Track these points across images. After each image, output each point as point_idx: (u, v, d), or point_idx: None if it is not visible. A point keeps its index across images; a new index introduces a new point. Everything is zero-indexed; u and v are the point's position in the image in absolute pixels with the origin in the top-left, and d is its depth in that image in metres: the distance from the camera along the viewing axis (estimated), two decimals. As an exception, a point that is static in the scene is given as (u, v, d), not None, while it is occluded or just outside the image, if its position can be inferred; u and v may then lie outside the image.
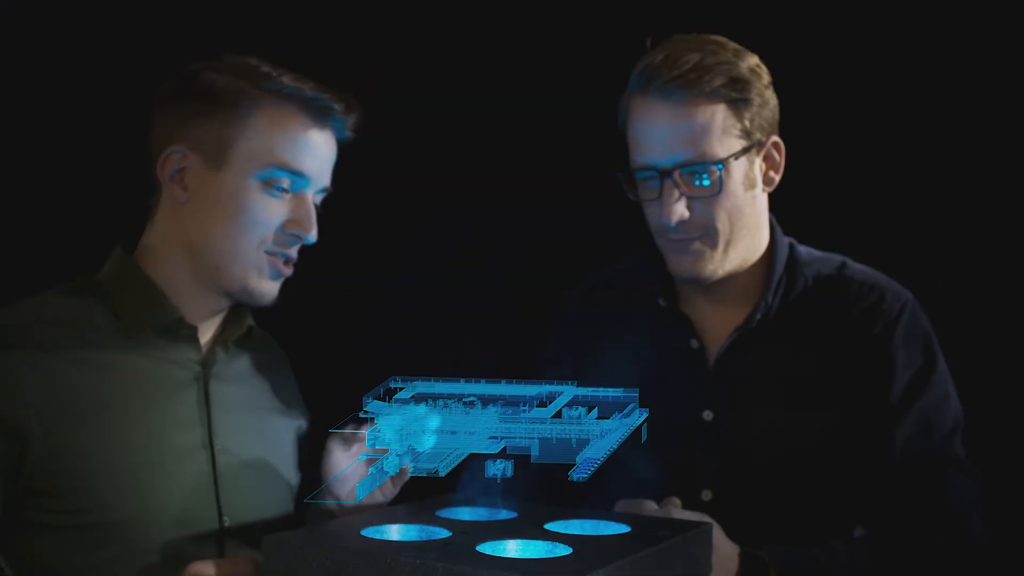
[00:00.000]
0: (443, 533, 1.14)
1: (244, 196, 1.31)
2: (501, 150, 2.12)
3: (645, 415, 1.28)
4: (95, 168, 2.01)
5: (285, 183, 1.33)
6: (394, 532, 1.15)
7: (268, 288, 1.35)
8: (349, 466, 1.36)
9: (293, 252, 1.36)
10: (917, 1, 1.92)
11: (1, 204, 2.00)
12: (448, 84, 2.18)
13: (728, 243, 1.46)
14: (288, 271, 1.37)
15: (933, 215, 1.93)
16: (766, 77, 1.47)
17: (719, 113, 1.42)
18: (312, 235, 1.36)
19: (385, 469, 1.24)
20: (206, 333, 1.39)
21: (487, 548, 1.08)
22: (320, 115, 1.35)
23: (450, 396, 1.27)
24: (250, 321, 1.43)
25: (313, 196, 1.37)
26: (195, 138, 1.32)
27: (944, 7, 1.90)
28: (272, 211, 1.33)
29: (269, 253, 1.34)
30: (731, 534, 1.36)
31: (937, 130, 1.93)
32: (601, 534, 1.18)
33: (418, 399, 1.28)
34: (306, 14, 2.17)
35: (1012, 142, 1.90)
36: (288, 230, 1.34)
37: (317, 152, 1.35)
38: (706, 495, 1.47)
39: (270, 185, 1.33)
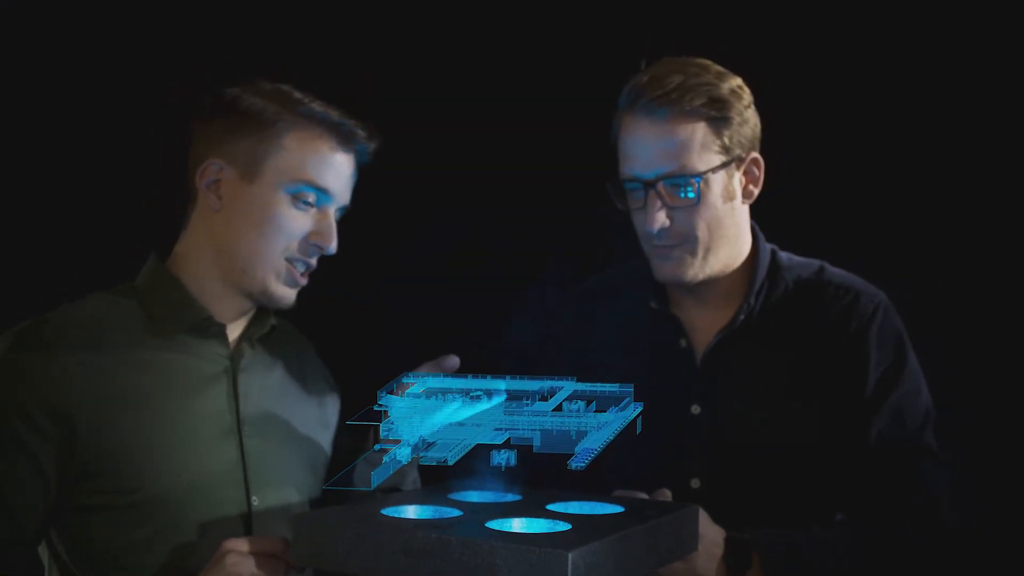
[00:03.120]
0: (455, 512, 1.30)
1: (273, 207, 1.48)
2: (502, 151, 2.25)
3: (640, 409, 1.42)
4: (134, 184, 2.18)
5: (311, 198, 1.50)
6: (411, 512, 1.31)
7: (286, 293, 1.52)
8: (364, 456, 1.56)
9: (313, 261, 1.53)
10: (894, 22, 2.10)
11: (53, 220, 2.19)
12: (449, 85, 2.31)
13: (708, 250, 1.60)
14: (304, 280, 1.53)
15: (907, 222, 2.09)
16: (747, 98, 1.61)
17: (699, 130, 1.56)
18: (332, 247, 1.52)
19: (398, 459, 1.38)
20: (234, 331, 1.55)
21: (495, 524, 1.24)
22: (346, 139, 1.52)
23: (458, 390, 1.41)
24: (273, 320, 1.59)
25: (334, 212, 1.53)
26: (232, 153, 1.49)
27: (919, 25, 2.08)
28: (297, 223, 1.49)
29: (290, 260, 1.50)
30: (717, 520, 1.49)
31: (907, 146, 2.10)
32: (597, 513, 1.33)
33: (428, 393, 1.42)
34: (307, 15, 2.31)
35: (976, 155, 2.08)
36: (311, 241, 1.50)
37: (341, 172, 1.52)
38: (694, 483, 1.61)
39: (297, 199, 1.49)
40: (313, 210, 1.52)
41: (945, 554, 1.59)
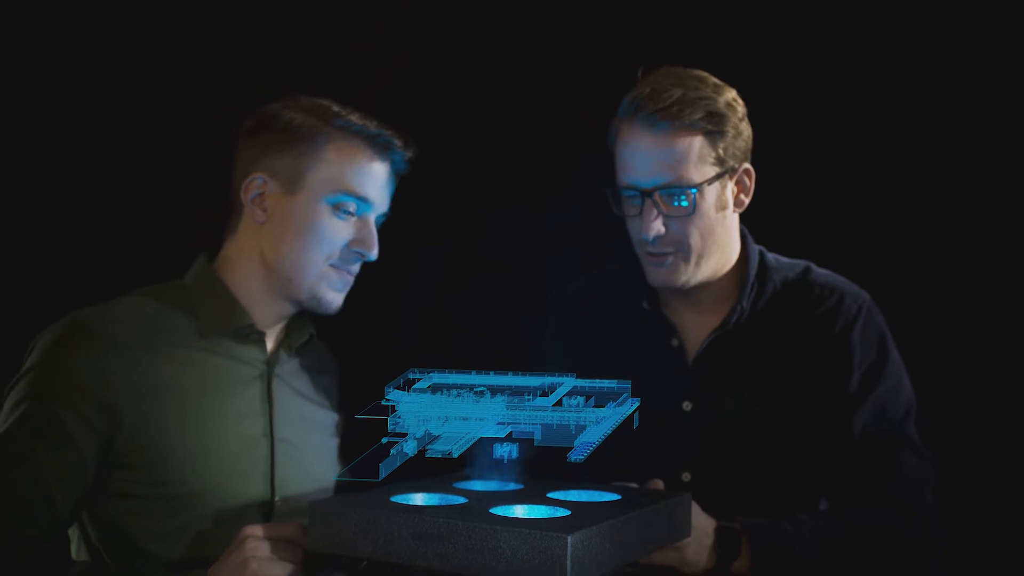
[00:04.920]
0: (460, 500, 1.37)
1: (315, 218, 1.55)
2: (504, 153, 2.32)
3: (637, 404, 1.48)
4: (186, 186, 2.26)
5: (351, 207, 1.56)
6: (419, 499, 1.38)
7: (334, 297, 1.59)
8: (372, 449, 1.64)
9: (356, 267, 1.60)
10: (875, 39, 2.19)
11: (108, 216, 2.28)
12: (451, 87, 2.37)
13: (700, 257, 1.66)
14: (351, 281, 1.60)
15: (885, 224, 2.18)
16: (741, 110, 1.67)
17: (696, 143, 1.62)
18: (374, 253, 1.59)
19: (405, 451, 1.44)
20: (272, 337, 1.62)
21: (499, 511, 1.31)
22: (382, 149, 1.58)
23: (463, 386, 1.47)
24: (311, 330, 1.66)
25: (374, 219, 1.60)
26: (274, 167, 1.55)
27: (896, 38, 2.17)
28: (339, 231, 1.56)
29: (334, 267, 1.57)
30: (707, 511, 1.55)
31: (887, 151, 2.19)
32: (595, 501, 1.40)
33: (434, 389, 1.48)
34: (310, 18, 2.38)
35: (950, 164, 2.16)
36: (353, 248, 1.57)
37: (379, 180, 1.58)
38: (686, 477, 1.68)
39: (338, 208, 1.55)
40: (354, 218, 1.58)
41: (927, 541, 1.66)
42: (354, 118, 1.58)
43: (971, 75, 2.16)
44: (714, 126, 1.63)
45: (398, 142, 1.60)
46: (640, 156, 1.65)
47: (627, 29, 2.29)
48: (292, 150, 1.56)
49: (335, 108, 1.58)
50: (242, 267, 1.60)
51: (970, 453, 2.09)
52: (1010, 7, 2.12)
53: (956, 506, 1.77)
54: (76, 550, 1.56)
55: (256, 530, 1.38)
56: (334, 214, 1.57)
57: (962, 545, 1.85)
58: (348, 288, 1.62)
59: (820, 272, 1.76)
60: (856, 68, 2.21)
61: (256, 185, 1.57)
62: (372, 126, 1.58)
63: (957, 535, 1.75)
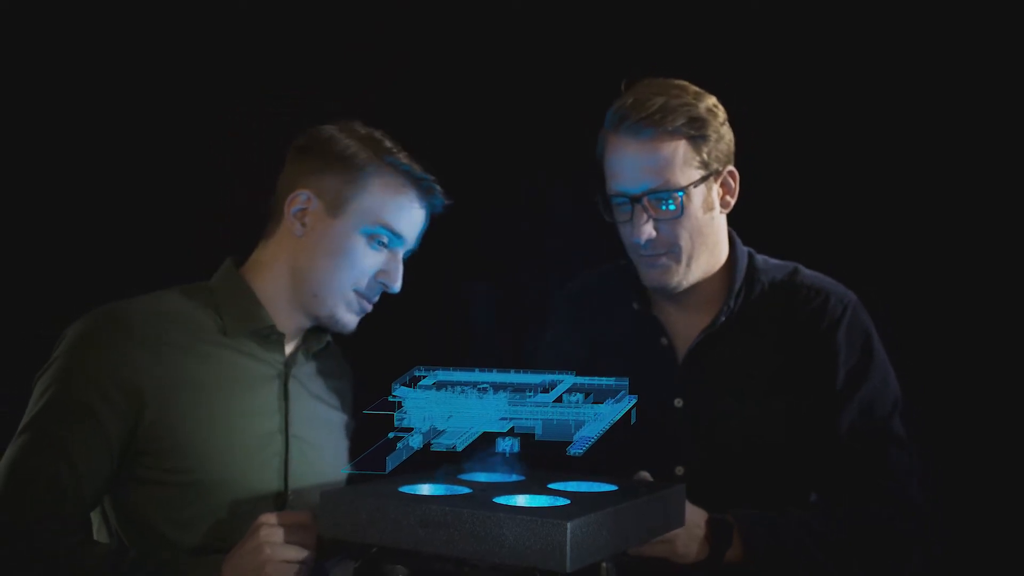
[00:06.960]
0: (465, 490, 1.44)
1: (350, 243, 1.63)
2: (507, 157, 2.40)
3: (634, 401, 1.53)
4: (222, 193, 2.37)
5: (384, 240, 1.64)
6: (426, 489, 1.45)
7: (350, 320, 1.68)
8: (379, 443, 1.73)
9: (376, 297, 1.68)
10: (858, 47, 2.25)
11: (137, 219, 2.38)
12: (454, 94, 2.45)
13: (690, 258, 1.73)
14: (369, 308, 1.68)
15: (873, 224, 2.25)
16: (722, 115, 1.74)
17: (680, 148, 1.69)
18: (397, 286, 1.67)
19: (411, 445, 1.50)
20: (291, 340, 1.70)
21: (502, 500, 1.37)
22: (425, 192, 1.66)
23: (466, 383, 1.54)
24: (328, 337, 1.74)
25: (403, 254, 1.68)
26: (322, 187, 1.63)
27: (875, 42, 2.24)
28: (369, 260, 1.64)
29: (357, 293, 1.65)
30: (701, 503, 1.61)
31: (868, 154, 2.27)
32: (593, 491, 1.47)
33: (439, 386, 1.55)
34: (311, 18, 2.45)
35: (930, 163, 2.23)
36: (378, 278, 1.66)
37: (415, 220, 1.67)
38: (679, 470, 1.74)
39: (373, 239, 1.64)
40: (385, 251, 1.66)
41: (914, 533, 1.72)
42: (402, 156, 1.66)
43: (951, 76, 2.21)
44: (696, 131, 1.70)
45: (440, 188, 1.69)
46: (627, 164, 1.71)
47: (624, 30, 2.35)
48: (342, 175, 1.64)
49: (387, 144, 1.67)
50: (270, 273, 1.68)
51: (966, 451, 2.15)
52: (988, 9, 2.19)
53: (953, 504, 1.84)
54: (96, 535, 1.63)
55: (271, 517, 1.46)
56: (368, 244, 1.65)
57: (960, 544, 1.92)
58: (364, 313, 1.70)
59: (807, 273, 1.82)
60: (836, 72, 2.27)
61: (300, 200, 1.65)
62: (418, 168, 1.67)
63: (953, 533, 1.82)
